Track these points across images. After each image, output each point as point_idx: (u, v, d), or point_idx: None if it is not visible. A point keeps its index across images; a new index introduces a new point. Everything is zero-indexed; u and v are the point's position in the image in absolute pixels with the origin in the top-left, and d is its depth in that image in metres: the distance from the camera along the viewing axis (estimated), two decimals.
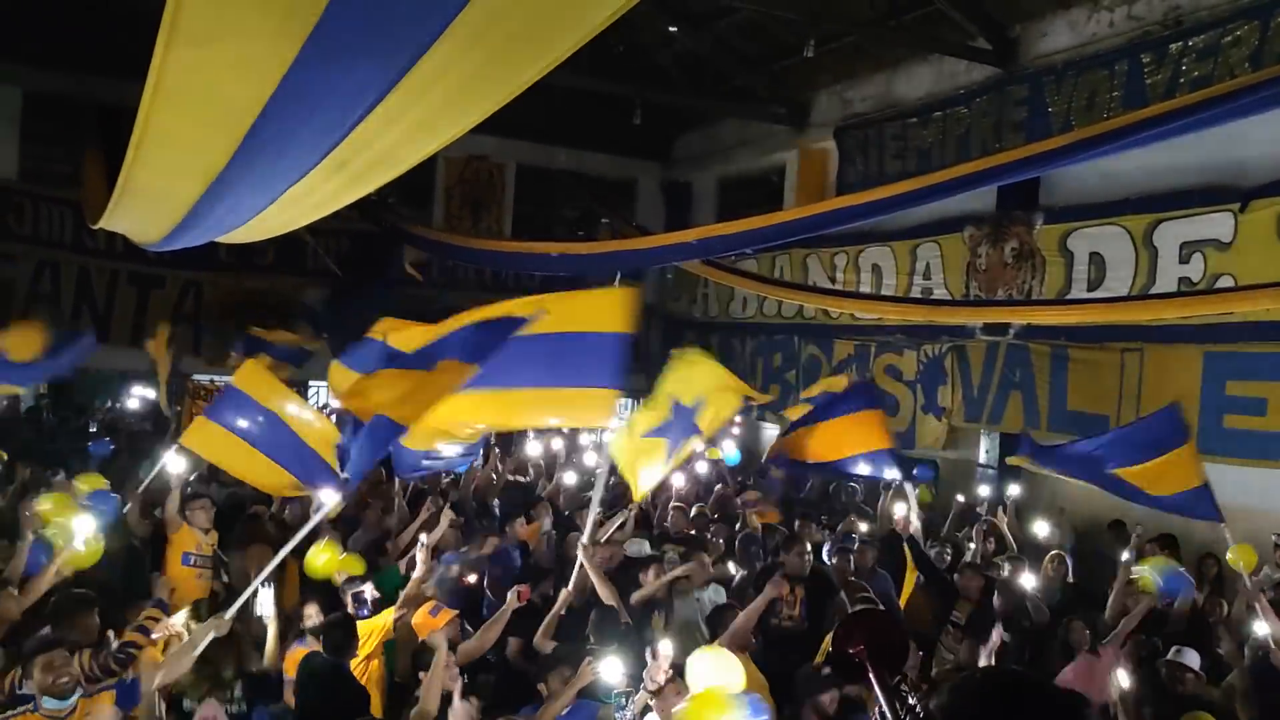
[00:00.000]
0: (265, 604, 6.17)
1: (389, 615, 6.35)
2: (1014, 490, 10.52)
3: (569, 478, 10.99)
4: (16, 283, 14.47)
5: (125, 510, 7.83)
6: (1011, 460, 9.06)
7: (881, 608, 6.86)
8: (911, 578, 8.30)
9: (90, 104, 14.19)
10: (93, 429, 13.73)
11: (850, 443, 9.00)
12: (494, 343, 5.73)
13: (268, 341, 13.25)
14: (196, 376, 15.23)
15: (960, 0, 11.83)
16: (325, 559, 7.01)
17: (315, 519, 6.10)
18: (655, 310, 18.59)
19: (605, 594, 6.62)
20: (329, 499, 6.54)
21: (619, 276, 14.68)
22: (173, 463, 7.78)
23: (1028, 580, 7.88)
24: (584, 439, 13.29)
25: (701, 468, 11.46)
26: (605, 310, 6.47)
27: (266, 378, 7.78)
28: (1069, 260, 11.02)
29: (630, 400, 11.19)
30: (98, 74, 13.48)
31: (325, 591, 6.91)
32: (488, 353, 5.69)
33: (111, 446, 8.12)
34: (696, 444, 9.28)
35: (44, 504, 6.60)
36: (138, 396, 14.98)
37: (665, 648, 5.06)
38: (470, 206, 17.69)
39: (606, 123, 16.84)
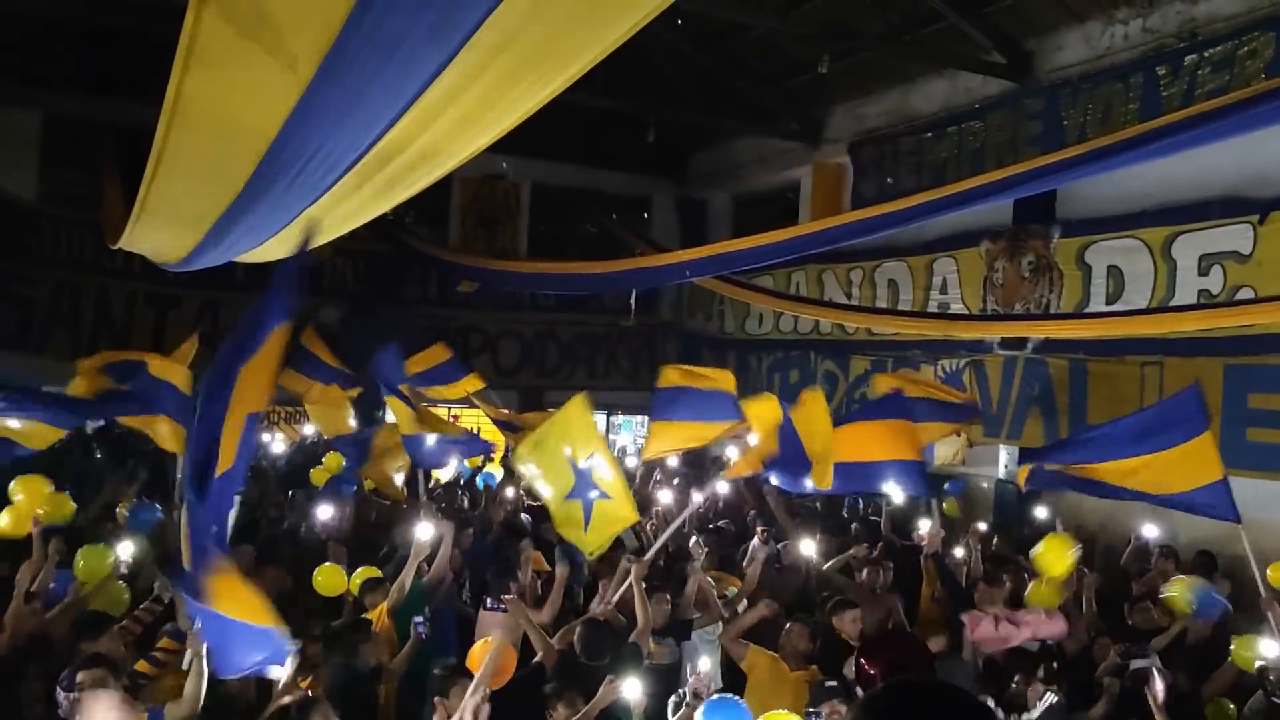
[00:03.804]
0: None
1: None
2: (1042, 511, 10.44)
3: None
4: (36, 304, 14.57)
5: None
6: (1021, 478, 8.85)
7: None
8: (928, 592, 8.22)
9: (109, 126, 14.32)
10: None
11: (878, 447, 8.59)
12: None
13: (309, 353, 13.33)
14: None
15: (974, 15, 11.82)
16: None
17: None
18: (670, 326, 18.60)
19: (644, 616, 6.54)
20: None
21: (634, 295, 14.85)
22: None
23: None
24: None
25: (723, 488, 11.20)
26: None
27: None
28: (1087, 274, 10.97)
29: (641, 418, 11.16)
30: (116, 96, 13.59)
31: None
32: None
33: (159, 512, 8.05)
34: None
35: (80, 560, 6.56)
36: None
37: (705, 664, 5.03)
38: (485, 226, 17.73)
39: (621, 141, 16.89)
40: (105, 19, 12.22)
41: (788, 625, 6.35)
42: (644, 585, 6.78)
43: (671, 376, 9.46)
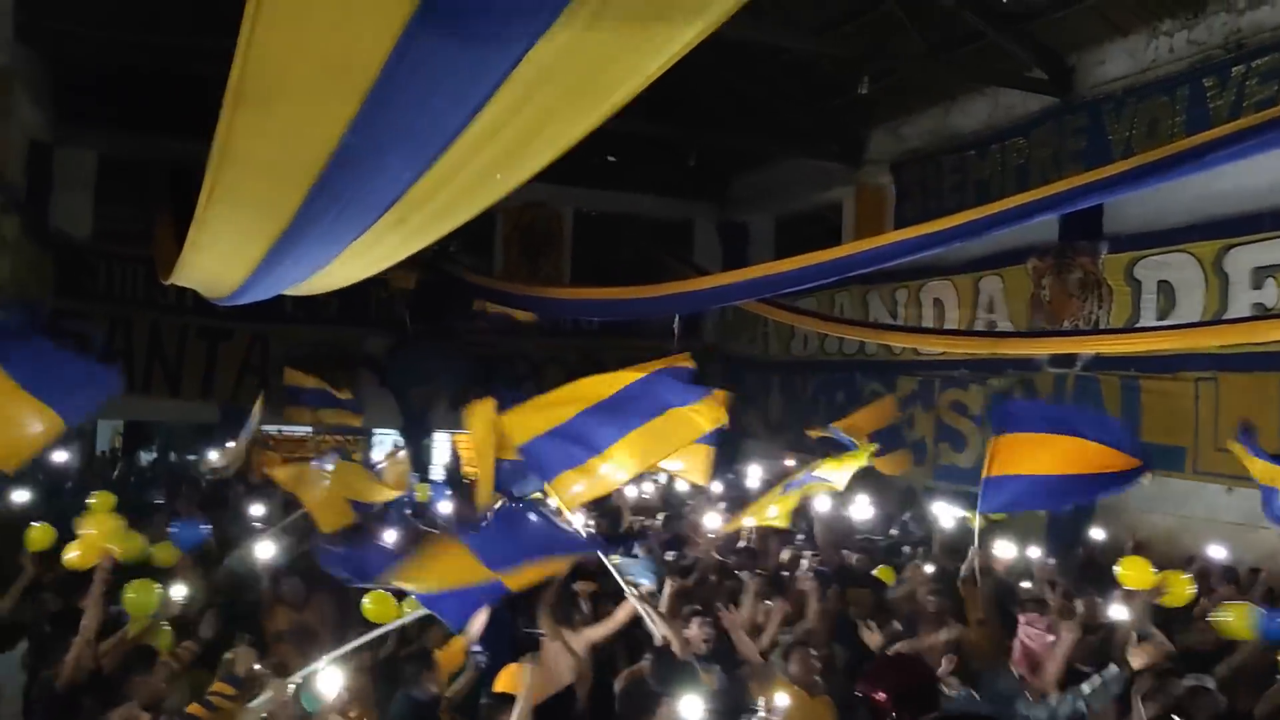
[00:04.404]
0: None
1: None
2: (1099, 532, 10.29)
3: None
4: (92, 339, 14.87)
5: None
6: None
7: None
8: (973, 615, 8.06)
9: (160, 165, 14.65)
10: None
11: (1081, 460, 8.19)
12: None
13: (301, 388, 13.61)
14: (264, 427, 15.53)
15: (1015, 31, 11.76)
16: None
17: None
18: (715, 350, 18.56)
19: (665, 633, 6.52)
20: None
21: (677, 319, 14.86)
22: (262, 549, 7.90)
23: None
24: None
25: None
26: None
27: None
28: (1136, 289, 10.82)
29: None
30: (167, 136, 13.90)
31: None
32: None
33: (207, 531, 8.13)
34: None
35: (128, 593, 6.59)
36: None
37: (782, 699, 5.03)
38: (529, 253, 17.86)
39: (662, 166, 16.96)
40: (157, 62, 12.49)
41: (793, 654, 6.31)
42: (683, 609, 6.82)
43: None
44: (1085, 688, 5.71)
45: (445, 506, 10.87)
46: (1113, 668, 5.76)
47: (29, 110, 12.68)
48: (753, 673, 6.29)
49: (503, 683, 5.88)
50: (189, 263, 7.09)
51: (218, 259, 6.63)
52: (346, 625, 7.24)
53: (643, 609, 6.64)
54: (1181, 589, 7.21)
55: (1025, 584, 8.48)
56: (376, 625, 6.83)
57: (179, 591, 6.73)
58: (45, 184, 14.30)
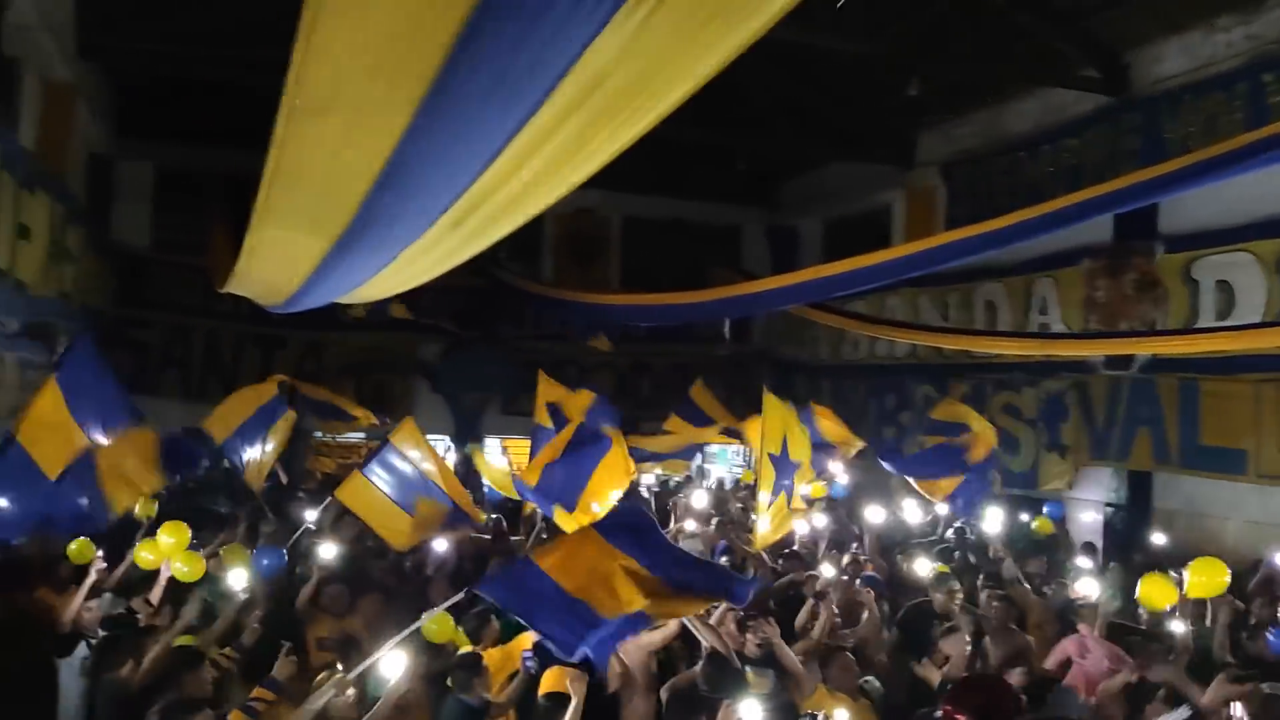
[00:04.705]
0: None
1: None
2: (1159, 538, 10.14)
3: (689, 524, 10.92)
4: (150, 347, 15.20)
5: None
6: None
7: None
8: (1032, 621, 7.99)
9: (216, 176, 14.92)
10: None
11: None
12: None
13: (314, 400, 13.68)
14: (317, 434, 15.75)
15: (1067, 30, 11.61)
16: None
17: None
18: (764, 354, 18.52)
19: (714, 640, 6.52)
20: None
21: (728, 324, 14.84)
22: (325, 550, 8.03)
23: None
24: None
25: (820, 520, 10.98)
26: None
27: (417, 436, 8.61)
28: (1194, 290, 10.64)
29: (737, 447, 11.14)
30: (222, 147, 14.14)
31: None
32: None
33: (284, 557, 8.27)
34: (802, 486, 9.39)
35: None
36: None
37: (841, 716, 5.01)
38: (578, 260, 17.94)
39: (710, 171, 16.96)
40: (213, 74, 12.73)
41: (834, 659, 6.28)
42: (735, 613, 6.81)
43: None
44: None
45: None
46: (1184, 709, 5.58)
47: (90, 124, 12.97)
48: (795, 682, 6.28)
49: (549, 683, 5.93)
50: (244, 271, 7.18)
51: (272, 267, 6.72)
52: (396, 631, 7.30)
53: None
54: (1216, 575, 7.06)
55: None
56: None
57: (238, 579, 6.90)
58: (105, 196, 14.64)
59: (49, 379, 7.74)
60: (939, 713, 4.52)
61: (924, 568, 8.49)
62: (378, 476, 9.00)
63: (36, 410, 7.50)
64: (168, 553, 7.09)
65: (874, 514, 10.06)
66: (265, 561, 7.74)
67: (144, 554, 7.15)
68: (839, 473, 11.93)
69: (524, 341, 16.77)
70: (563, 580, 5.40)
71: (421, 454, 9.18)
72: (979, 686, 5.02)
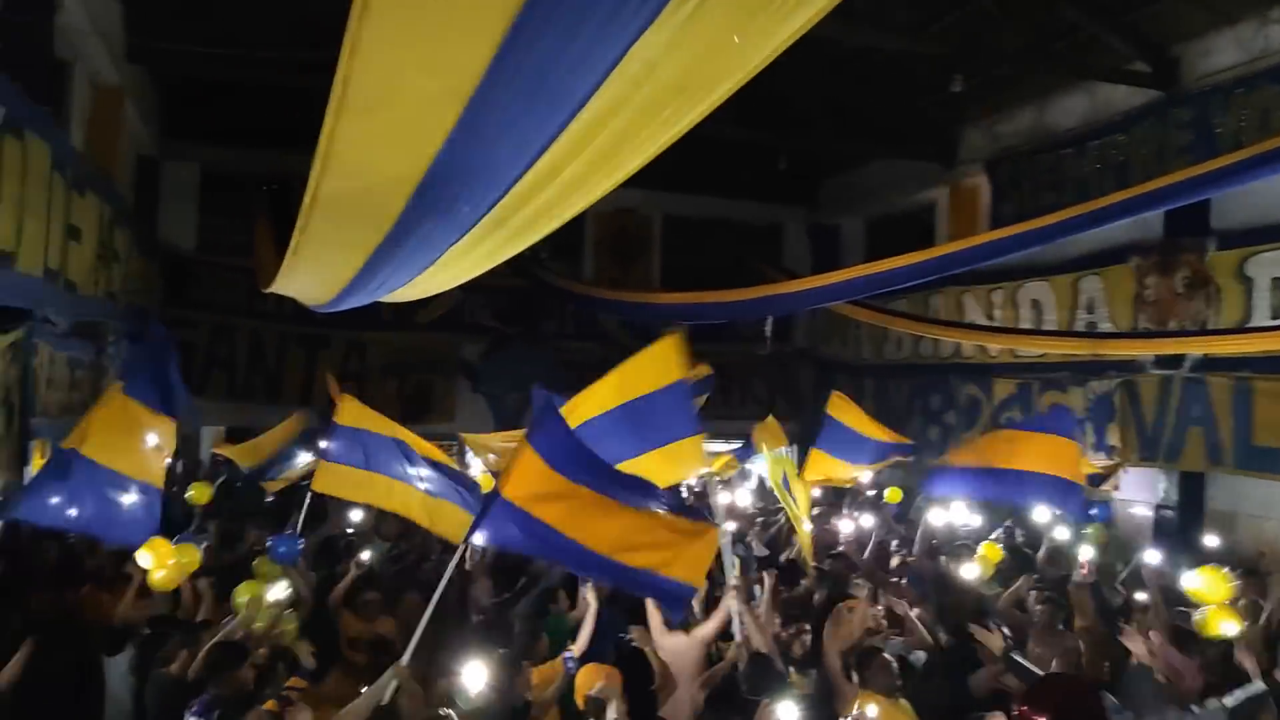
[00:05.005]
0: None
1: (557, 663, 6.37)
2: (1212, 540, 9.93)
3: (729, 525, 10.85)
4: (196, 347, 15.38)
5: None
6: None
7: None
8: (1081, 625, 7.85)
9: (260, 177, 15.07)
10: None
11: (1034, 458, 8.44)
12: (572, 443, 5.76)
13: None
14: None
15: (1115, 24, 11.43)
16: None
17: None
18: (806, 354, 18.42)
19: (760, 641, 6.48)
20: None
21: (769, 322, 14.78)
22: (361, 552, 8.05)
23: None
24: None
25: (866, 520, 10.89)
26: (659, 366, 7.18)
27: (365, 410, 8.60)
28: (1248, 287, 10.44)
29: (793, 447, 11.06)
30: (266, 149, 14.30)
31: None
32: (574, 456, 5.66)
33: (300, 545, 8.34)
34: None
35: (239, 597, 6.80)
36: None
37: (872, 710, 4.97)
38: (620, 259, 17.92)
39: (751, 170, 16.88)
40: (256, 77, 12.85)
41: (873, 658, 6.20)
42: (780, 616, 6.77)
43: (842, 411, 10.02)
44: (1229, 701, 5.48)
45: None
46: (1258, 683, 5.49)
47: (137, 126, 13.13)
48: (834, 683, 6.22)
49: (585, 681, 5.92)
50: (290, 271, 7.23)
51: (319, 266, 6.76)
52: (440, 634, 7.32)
53: (735, 609, 6.62)
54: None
55: (1140, 595, 8.17)
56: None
57: (279, 590, 6.94)
58: (152, 197, 14.81)
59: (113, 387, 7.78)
60: (1015, 713, 4.46)
61: (971, 571, 8.36)
62: (337, 456, 8.66)
63: (102, 416, 7.50)
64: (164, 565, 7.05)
65: (936, 516, 9.89)
66: (282, 550, 7.78)
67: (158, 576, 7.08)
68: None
69: (565, 341, 16.78)
70: (545, 516, 5.40)
71: (374, 425, 8.90)
72: (1057, 685, 4.94)
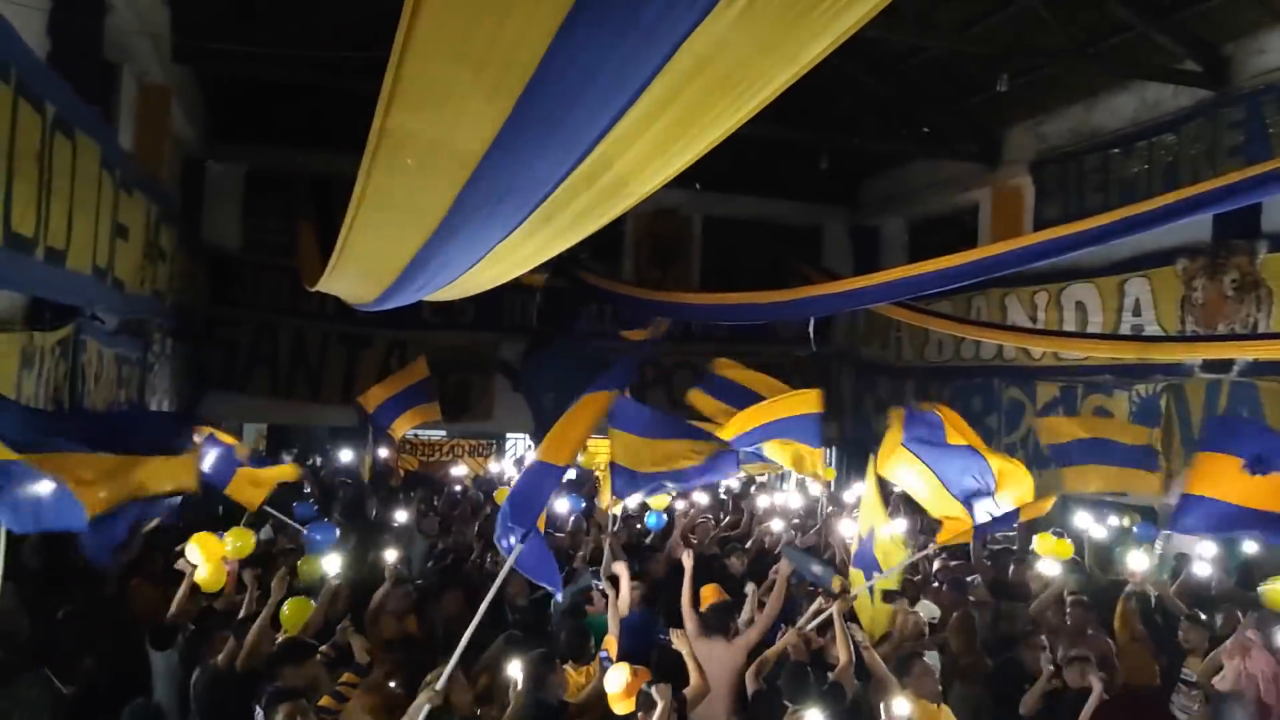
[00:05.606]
0: None
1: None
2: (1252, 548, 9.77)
3: (775, 525, 10.87)
4: (239, 345, 15.56)
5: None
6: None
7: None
8: (1125, 633, 7.73)
9: (303, 178, 15.19)
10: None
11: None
12: None
13: (393, 395, 13.74)
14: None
15: (1164, 22, 11.26)
16: None
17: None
18: (846, 355, 18.30)
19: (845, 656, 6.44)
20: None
21: (812, 323, 14.70)
22: (388, 554, 8.05)
23: None
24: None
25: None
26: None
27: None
28: None
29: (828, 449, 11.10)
30: (310, 149, 14.43)
31: None
32: None
33: (336, 531, 8.38)
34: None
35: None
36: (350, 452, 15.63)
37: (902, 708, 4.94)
38: (659, 259, 17.91)
39: (792, 170, 16.80)
40: (301, 77, 12.95)
41: (913, 665, 6.16)
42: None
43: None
44: None
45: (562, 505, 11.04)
46: None
47: (183, 126, 13.27)
48: (876, 686, 6.18)
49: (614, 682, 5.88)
50: (338, 268, 7.29)
51: (366, 265, 6.81)
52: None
53: (839, 622, 6.55)
54: None
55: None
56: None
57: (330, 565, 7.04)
58: (197, 197, 14.99)
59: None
60: None
61: (1051, 568, 8.34)
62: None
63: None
64: (212, 560, 7.10)
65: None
66: (319, 537, 7.82)
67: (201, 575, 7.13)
68: None
69: (604, 341, 16.78)
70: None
71: None
72: (1131, 706, 4.88)
